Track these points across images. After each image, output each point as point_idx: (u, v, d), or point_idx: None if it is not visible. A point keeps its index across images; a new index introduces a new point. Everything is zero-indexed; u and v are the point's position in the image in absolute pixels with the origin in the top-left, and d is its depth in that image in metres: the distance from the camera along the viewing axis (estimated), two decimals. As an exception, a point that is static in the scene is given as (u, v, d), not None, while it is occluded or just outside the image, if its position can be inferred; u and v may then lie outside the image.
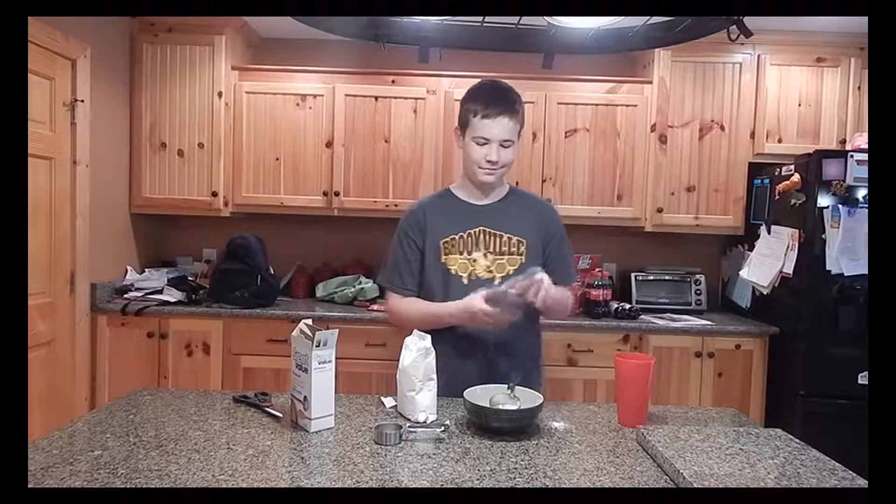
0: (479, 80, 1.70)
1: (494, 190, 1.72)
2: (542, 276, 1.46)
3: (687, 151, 3.10)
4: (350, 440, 1.24)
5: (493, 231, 1.67)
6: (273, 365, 2.82)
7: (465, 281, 1.65)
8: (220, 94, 3.05)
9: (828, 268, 2.62)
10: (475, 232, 1.67)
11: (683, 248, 3.41)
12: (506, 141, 1.60)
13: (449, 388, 1.53)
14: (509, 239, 1.67)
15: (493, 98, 1.60)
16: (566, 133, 3.08)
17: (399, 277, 1.71)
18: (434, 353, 1.41)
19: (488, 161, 1.60)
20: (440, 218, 1.70)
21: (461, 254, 1.66)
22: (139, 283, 3.03)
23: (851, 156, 2.62)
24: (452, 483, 1.05)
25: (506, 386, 1.39)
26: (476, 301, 1.48)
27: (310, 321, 1.32)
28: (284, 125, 3.09)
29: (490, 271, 1.65)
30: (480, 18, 1.62)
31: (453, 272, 1.66)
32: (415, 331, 1.45)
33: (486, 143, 1.60)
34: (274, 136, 3.09)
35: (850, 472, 1.06)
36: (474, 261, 1.66)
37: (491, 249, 1.66)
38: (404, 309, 1.70)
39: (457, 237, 1.67)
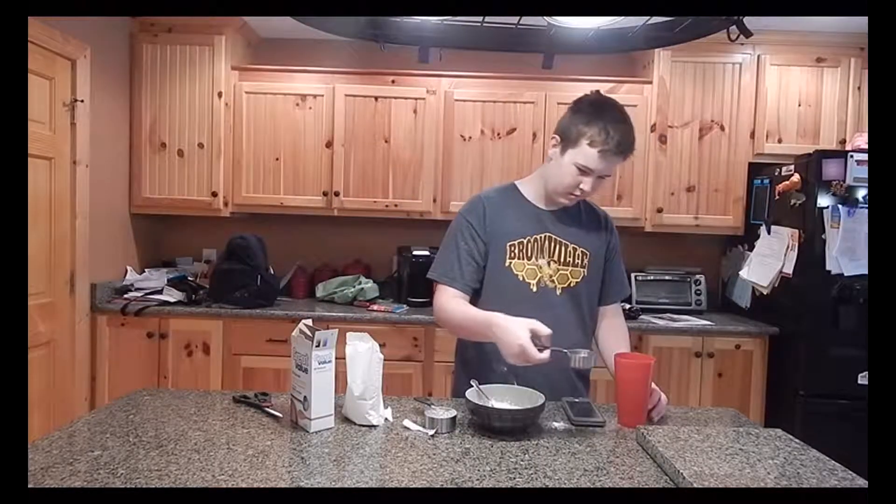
0: (596, 94, 1.53)
1: None
2: (661, 397, 1.42)
3: (687, 151, 3.10)
4: (350, 440, 1.24)
5: (560, 239, 1.56)
6: (273, 365, 2.82)
7: (535, 288, 1.54)
8: (219, 94, 3.05)
9: (828, 268, 2.63)
10: (541, 238, 1.56)
11: (683, 248, 3.41)
12: (606, 176, 1.49)
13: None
14: (574, 249, 1.57)
15: (619, 135, 1.43)
16: (566, 133, 3.08)
17: (457, 270, 1.54)
18: (379, 354, 1.34)
19: (581, 191, 1.49)
20: (506, 217, 1.57)
21: (528, 259, 1.55)
22: (139, 283, 3.04)
23: (851, 156, 2.62)
24: (452, 483, 1.05)
25: (511, 387, 1.39)
26: (530, 346, 1.27)
27: (310, 321, 1.32)
28: (284, 125, 3.09)
29: (553, 281, 1.55)
30: (480, 18, 1.62)
31: (521, 279, 1.54)
32: (352, 334, 1.34)
33: (586, 174, 1.47)
34: (274, 136, 3.09)
35: (850, 472, 1.06)
36: (540, 267, 1.55)
37: (555, 258, 1.55)
38: (451, 307, 1.51)
39: (524, 241, 1.55)
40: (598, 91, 1.57)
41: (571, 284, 1.56)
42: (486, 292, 1.57)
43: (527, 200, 1.60)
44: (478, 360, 1.56)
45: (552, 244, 1.56)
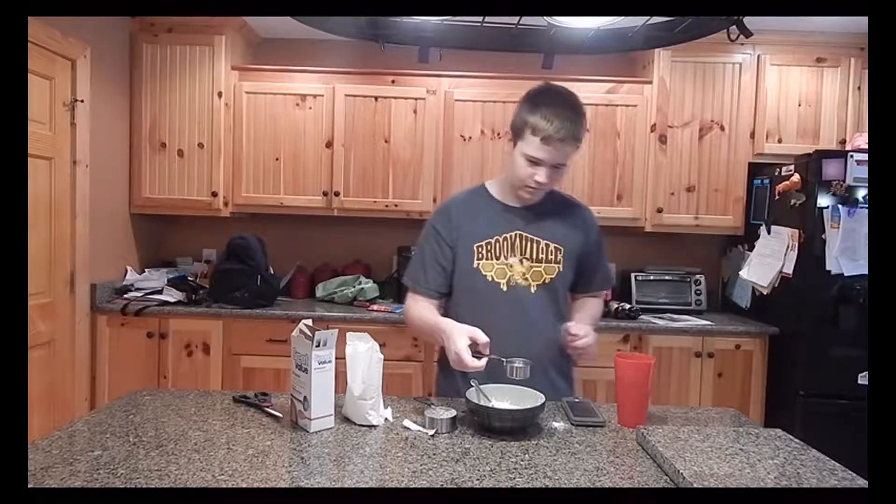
0: (542, 84, 1.54)
1: None
2: (579, 331, 1.47)
3: (687, 151, 3.10)
4: (350, 440, 1.24)
5: (530, 236, 1.56)
6: (273, 365, 2.82)
7: (505, 288, 1.55)
8: (219, 94, 3.05)
9: (828, 268, 2.63)
10: (512, 236, 1.56)
11: (683, 248, 3.41)
12: (560, 165, 1.48)
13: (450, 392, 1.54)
14: (547, 245, 1.57)
15: (559, 121, 1.42)
16: (566, 133, 3.08)
17: (423, 275, 1.58)
18: (379, 354, 1.35)
19: (536, 182, 1.48)
20: (474, 218, 1.58)
21: (497, 259, 1.55)
22: (139, 283, 3.04)
23: (851, 156, 2.62)
24: (452, 483, 1.05)
25: (510, 387, 1.39)
26: (465, 354, 1.32)
27: (310, 321, 1.32)
28: (284, 125, 3.09)
29: (526, 279, 1.55)
30: (480, 18, 1.62)
31: (490, 279, 1.54)
32: (352, 334, 1.35)
33: (537, 164, 1.47)
34: (274, 136, 3.09)
35: (850, 472, 1.06)
36: (511, 266, 1.55)
37: (527, 256, 1.56)
38: (413, 313, 1.58)
39: (492, 241, 1.56)
40: (546, 81, 1.58)
41: (546, 281, 1.57)
42: (457, 294, 1.59)
43: (496, 200, 1.61)
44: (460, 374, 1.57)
45: (523, 242, 1.56)
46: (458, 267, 1.57)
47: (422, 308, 1.58)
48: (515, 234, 1.56)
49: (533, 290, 1.56)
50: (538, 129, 1.44)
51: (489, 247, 1.56)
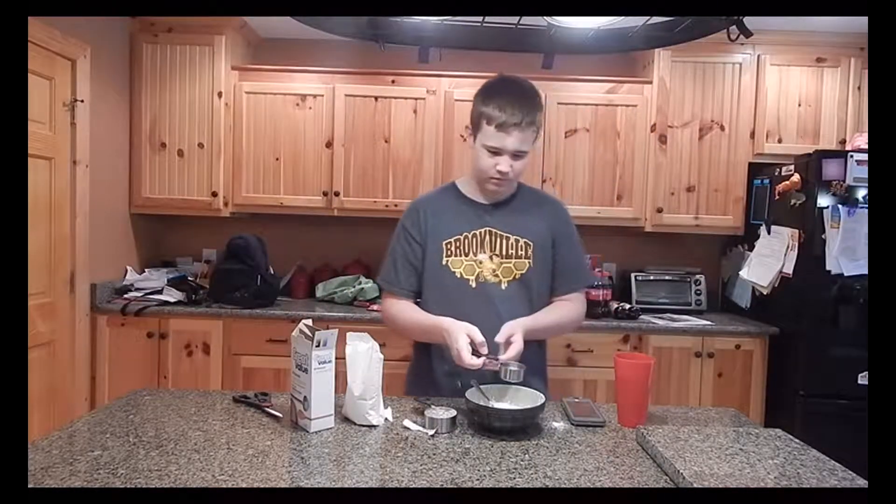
0: (495, 76, 1.56)
1: None
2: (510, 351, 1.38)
3: (687, 151, 3.10)
4: (350, 440, 1.24)
5: (499, 233, 1.57)
6: (273, 365, 2.82)
7: (474, 284, 1.55)
8: (219, 94, 3.05)
9: (828, 268, 2.63)
10: (481, 233, 1.57)
11: (683, 248, 3.41)
12: (519, 152, 1.48)
13: (430, 391, 1.54)
14: (516, 241, 1.57)
15: (511, 107, 1.45)
16: (566, 133, 3.08)
17: (396, 277, 1.60)
18: (379, 354, 1.36)
19: (499, 172, 1.49)
20: (443, 216, 1.59)
21: (466, 255, 1.56)
22: (139, 283, 3.04)
23: (851, 156, 2.62)
24: (452, 483, 1.05)
25: (509, 386, 1.39)
26: (465, 352, 1.35)
27: (310, 321, 1.32)
28: (284, 125, 3.09)
29: (496, 275, 1.56)
30: (480, 18, 1.62)
31: (458, 275, 1.55)
32: (352, 334, 1.36)
33: (497, 154, 1.49)
34: (274, 136, 3.09)
35: (850, 472, 1.06)
36: (480, 263, 1.55)
37: (497, 252, 1.56)
38: (398, 314, 1.59)
39: (461, 238, 1.56)
40: (500, 73, 1.59)
41: (517, 277, 1.56)
42: (426, 291, 1.60)
43: (465, 197, 1.62)
44: (429, 367, 1.58)
45: (493, 238, 1.57)
46: (427, 264, 1.59)
47: (406, 308, 1.59)
48: (485, 231, 1.57)
49: (504, 286, 1.55)
50: (493, 118, 1.46)
51: (458, 243, 1.57)
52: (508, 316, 1.52)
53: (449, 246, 1.57)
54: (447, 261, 1.57)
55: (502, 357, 1.37)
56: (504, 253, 1.57)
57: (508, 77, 1.55)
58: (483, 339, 1.37)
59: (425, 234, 1.59)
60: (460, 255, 1.57)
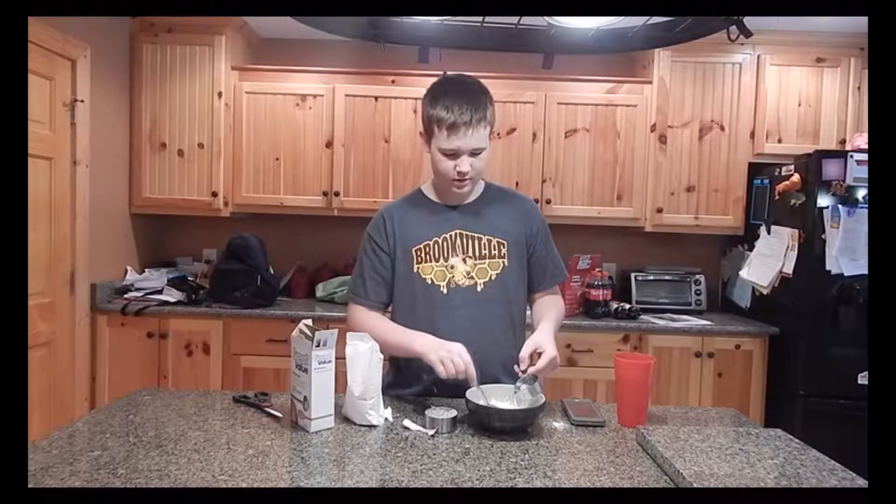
0: (439, 77, 1.53)
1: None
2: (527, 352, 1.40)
3: (687, 151, 3.10)
4: (350, 440, 1.24)
5: (470, 234, 1.54)
6: (273, 365, 2.82)
7: (445, 290, 1.51)
8: (220, 94, 3.05)
9: (828, 268, 2.62)
10: (451, 236, 1.53)
11: (683, 248, 3.41)
12: (476, 150, 1.46)
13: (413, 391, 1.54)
14: (489, 241, 1.54)
15: (457, 107, 1.42)
16: (566, 133, 3.08)
17: (363, 288, 1.56)
18: (379, 354, 1.35)
19: (459, 173, 1.46)
20: (410, 223, 1.56)
21: (437, 261, 1.53)
22: (139, 283, 3.04)
23: (851, 156, 2.62)
24: (452, 483, 1.05)
25: (510, 387, 1.39)
26: (472, 366, 1.36)
27: (310, 321, 1.32)
28: (284, 125, 3.09)
29: (471, 277, 1.52)
30: (480, 18, 1.62)
31: (429, 282, 1.52)
32: (352, 334, 1.36)
33: (455, 156, 1.46)
34: (274, 136, 3.09)
35: (850, 472, 1.06)
36: (452, 267, 1.52)
37: (470, 254, 1.53)
38: (368, 328, 1.48)
39: (430, 243, 1.53)
40: (444, 73, 1.57)
41: (493, 277, 1.53)
42: (397, 300, 1.57)
43: (432, 202, 1.59)
44: (407, 368, 1.57)
45: (464, 240, 1.54)
46: (397, 273, 1.55)
47: (379, 320, 1.55)
48: (455, 234, 1.54)
49: (480, 288, 1.52)
50: (443, 120, 1.43)
51: (428, 249, 1.53)
52: (483, 320, 1.51)
53: (419, 252, 1.54)
54: (418, 267, 1.54)
55: (531, 369, 1.37)
56: (477, 254, 1.54)
57: (453, 76, 1.53)
58: (464, 367, 1.35)
59: (393, 243, 1.56)
60: (431, 261, 1.53)
